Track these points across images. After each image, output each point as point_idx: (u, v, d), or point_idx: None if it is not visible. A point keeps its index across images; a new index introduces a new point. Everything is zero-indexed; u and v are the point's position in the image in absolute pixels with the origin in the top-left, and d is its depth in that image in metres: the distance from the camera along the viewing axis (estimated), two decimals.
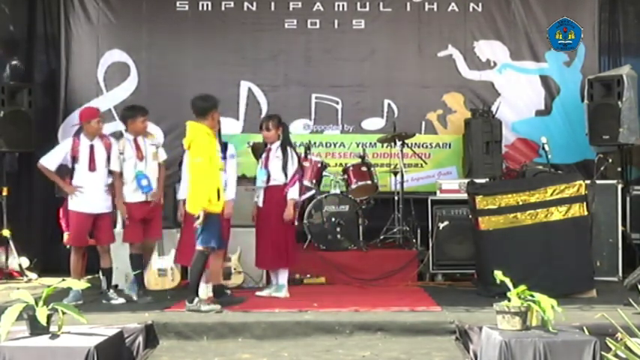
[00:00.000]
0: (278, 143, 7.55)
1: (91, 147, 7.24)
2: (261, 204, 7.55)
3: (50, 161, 7.27)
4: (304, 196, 8.42)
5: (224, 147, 7.50)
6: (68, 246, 8.52)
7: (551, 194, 7.24)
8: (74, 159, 7.21)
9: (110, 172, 7.28)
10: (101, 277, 7.42)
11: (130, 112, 7.53)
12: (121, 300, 7.21)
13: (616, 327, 4.66)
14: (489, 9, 10.17)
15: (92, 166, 7.22)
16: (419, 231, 8.95)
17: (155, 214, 7.43)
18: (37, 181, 9.27)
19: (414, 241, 8.93)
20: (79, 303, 6.85)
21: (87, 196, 7.19)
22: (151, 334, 5.89)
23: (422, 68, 10.19)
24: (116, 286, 7.71)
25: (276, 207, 7.47)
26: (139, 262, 7.41)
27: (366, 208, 9.05)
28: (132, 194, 7.31)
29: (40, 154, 7.63)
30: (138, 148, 7.36)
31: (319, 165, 8.97)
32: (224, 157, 7.34)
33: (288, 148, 7.56)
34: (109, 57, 10.08)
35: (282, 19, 10.14)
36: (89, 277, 8.06)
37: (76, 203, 7.18)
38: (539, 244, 7.21)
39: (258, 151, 8.18)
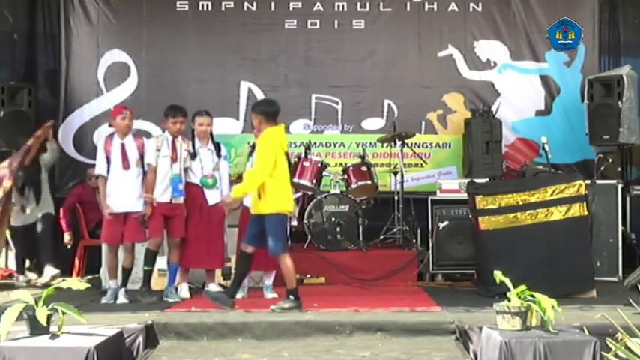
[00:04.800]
0: None
1: (122, 146, 7.29)
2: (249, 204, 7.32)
3: (102, 168, 7.32)
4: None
5: (217, 148, 7.58)
6: (69, 246, 8.56)
7: (551, 194, 7.23)
8: (108, 159, 7.28)
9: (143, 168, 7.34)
10: (120, 274, 7.42)
11: (165, 110, 7.57)
12: (126, 300, 7.23)
13: (616, 327, 4.66)
14: (489, 9, 10.17)
15: (125, 165, 7.26)
16: (419, 231, 8.95)
17: (177, 212, 7.40)
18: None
19: (414, 241, 8.93)
20: (113, 301, 7.09)
21: (119, 195, 7.23)
22: (151, 334, 5.88)
23: (422, 68, 10.19)
24: None
25: None
26: (153, 258, 7.38)
27: (366, 208, 9.05)
28: (160, 194, 7.31)
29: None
30: (174, 149, 7.40)
31: (319, 165, 8.97)
32: (218, 157, 7.52)
33: None
34: (109, 57, 10.09)
35: (282, 19, 10.14)
36: (89, 277, 8.08)
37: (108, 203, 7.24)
38: (539, 244, 7.21)
39: None
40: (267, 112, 6.77)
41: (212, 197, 7.47)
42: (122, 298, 7.20)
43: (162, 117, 7.55)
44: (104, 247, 7.63)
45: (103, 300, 7.19)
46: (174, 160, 7.36)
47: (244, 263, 6.83)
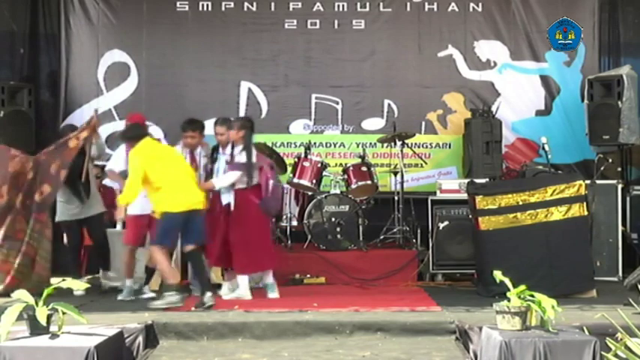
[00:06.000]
0: (241, 147, 7.38)
1: None
2: (232, 207, 7.40)
3: (118, 165, 7.51)
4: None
5: None
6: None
7: (551, 194, 7.23)
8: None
9: None
10: (143, 273, 7.58)
11: (182, 125, 7.70)
12: (151, 294, 7.38)
13: (616, 327, 4.66)
14: (489, 9, 10.18)
15: None
16: (419, 231, 8.95)
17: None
18: None
19: (414, 241, 8.93)
20: (132, 298, 7.24)
21: (141, 198, 7.26)
22: (151, 334, 5.89)
23: (422, 68, 10.20)
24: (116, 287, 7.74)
25: (246, 209, 7.33)
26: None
27: (366, 208, 9.06)
28: None
29: None
30: (193, 159, 7.61)
31: (319, 165, 8.97)
32: None
33: (245, 153, 7.36)
34: (109, 57, 10.10)
35: (282, 19, 10.16)
36: (89, 277, 8.07)
37: (132, 207, 7.29)
38: (539, 244, 7.21)
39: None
40: (128, 137, 7.11)
41: (225, 198, 7.49)
42: (149, 294, 7.40)
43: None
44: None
45: (120, 297, 7.35)
46: (194, 169, 7.51)
47: (193, 261, 7.08)
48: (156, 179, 6.81)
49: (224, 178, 7.38)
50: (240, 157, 7.33)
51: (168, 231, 6.84)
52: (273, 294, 7.40)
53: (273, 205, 7.56)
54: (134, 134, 7.06)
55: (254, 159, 7.35)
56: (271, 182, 7.41)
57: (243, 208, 7.34)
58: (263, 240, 7.49)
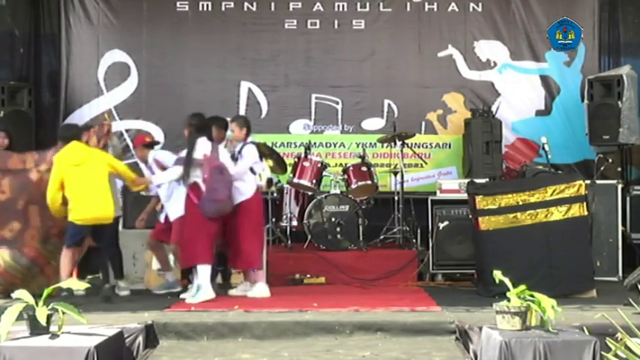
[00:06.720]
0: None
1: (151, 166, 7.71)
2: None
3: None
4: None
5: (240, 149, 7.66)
6: None
7: (551, 194, 7.23)
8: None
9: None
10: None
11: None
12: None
13: (616, 327, 4.66)
14: (489, 9, 10.19)
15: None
16: (419, 231, 8.96)
17: None
18: None
19: (414, 241, 8.93)
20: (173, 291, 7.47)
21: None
22: (151, 334, 5.89)
23: (422, 68, 10.21)
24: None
25: (188, 205, 7.25)
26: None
27: (366, 208, 9.06)
28: None
29: None
30: None
31: (319, 165, 8.98)
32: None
33: (187, 149, 7.30)
34: (110, 57, 10.11)
35: (282, 19, 10.17)
36: (89, 277, 8.07)
37: (178, 210, 7.45)
38: (539, 244, 7.20)
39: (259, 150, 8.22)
40: (62, 137, 7.30)
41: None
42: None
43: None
44: None
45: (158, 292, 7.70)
46: None
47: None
48: (68, 187, 6.99)
49: (164, 174, 7.45)
50: (181, 154, 7.35)
51: (74, 236, 7.16)
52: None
53: (209, 206, 7.14)
54: (62, 136, 7.27)
55: (197, 156, 7.18)
56: (199, 180, 7.17)
57: (186, 203, 7.30)
58: (196, 237, 7.18)
